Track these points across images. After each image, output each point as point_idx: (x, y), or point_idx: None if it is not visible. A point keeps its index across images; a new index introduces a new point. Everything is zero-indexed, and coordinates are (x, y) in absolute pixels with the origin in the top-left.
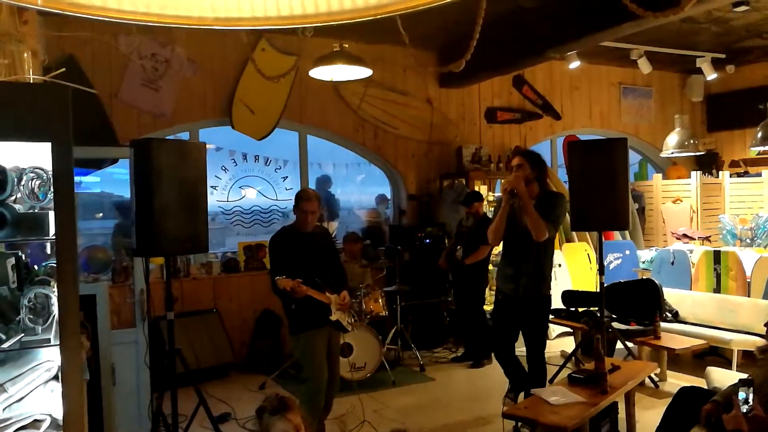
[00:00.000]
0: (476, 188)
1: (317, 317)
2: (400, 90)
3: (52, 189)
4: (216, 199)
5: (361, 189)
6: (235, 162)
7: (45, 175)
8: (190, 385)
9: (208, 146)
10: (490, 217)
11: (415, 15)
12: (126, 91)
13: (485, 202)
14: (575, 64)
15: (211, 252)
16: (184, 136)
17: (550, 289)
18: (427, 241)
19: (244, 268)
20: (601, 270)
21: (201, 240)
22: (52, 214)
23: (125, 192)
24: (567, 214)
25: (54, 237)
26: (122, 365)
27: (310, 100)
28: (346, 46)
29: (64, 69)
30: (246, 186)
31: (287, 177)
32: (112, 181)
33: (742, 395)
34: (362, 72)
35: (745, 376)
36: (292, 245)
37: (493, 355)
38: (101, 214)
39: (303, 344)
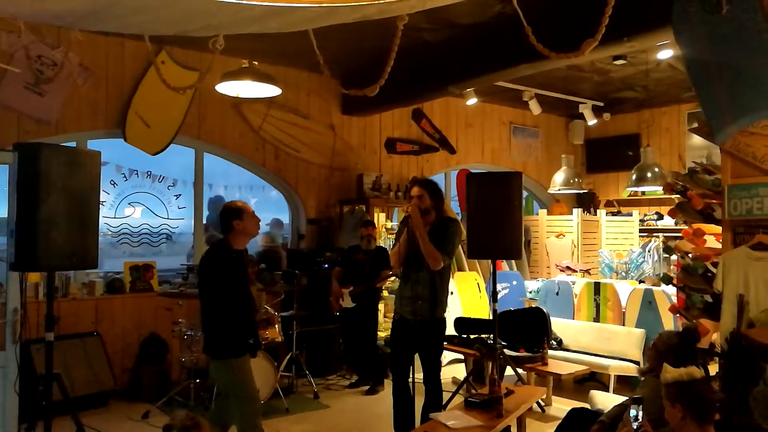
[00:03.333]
0: (376, 215)
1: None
2: (303, 113)
3: None
4: (102, 215)
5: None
6: (125, 177)
7: None
8: (65, 415)
9: None
10: (383, 246)
11: (318, 41)
12: (5, 93)
13: (383, 229)
14: (472, 101)
15: (93, 271)
16: (71, 146)
17: (444, 312)
18: (326, 265)
19: (129, 290)
20: (495, 297)
21: (90, 255)
22: None
23: None
24: (461, 246)
25: None
26: None
27: (209, 117)
28: (256, 63)
29: None
30: (135, 203)
31: (180, 195)
32: None
33: (633, 413)
34: (270, 90)
35: (623, 398)
36: (238, 265)
37: (385, 381)
38: None
39: (240, 367)
